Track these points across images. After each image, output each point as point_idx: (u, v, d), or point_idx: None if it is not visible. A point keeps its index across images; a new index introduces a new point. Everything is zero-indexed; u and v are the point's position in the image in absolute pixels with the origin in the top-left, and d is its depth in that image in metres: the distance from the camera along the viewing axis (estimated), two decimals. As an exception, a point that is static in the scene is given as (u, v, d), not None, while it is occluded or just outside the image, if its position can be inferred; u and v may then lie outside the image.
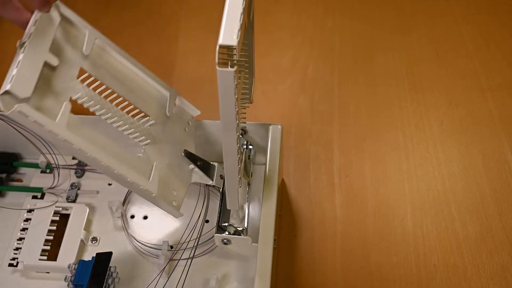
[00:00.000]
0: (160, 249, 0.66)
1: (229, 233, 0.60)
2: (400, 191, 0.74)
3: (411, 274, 0.68)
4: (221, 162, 0.73)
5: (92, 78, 0.57)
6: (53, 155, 0.73)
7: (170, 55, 0.90)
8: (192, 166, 0.65)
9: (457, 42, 0.89)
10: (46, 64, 0.52)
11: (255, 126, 0.68)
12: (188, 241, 0.67)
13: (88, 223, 0.70)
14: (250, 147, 0.68)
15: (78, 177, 0.73)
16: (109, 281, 0.61)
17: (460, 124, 0.80)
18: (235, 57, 0.42)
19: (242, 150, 0.63)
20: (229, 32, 0.42)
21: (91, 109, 0.57)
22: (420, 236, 0.71)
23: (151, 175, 0.60)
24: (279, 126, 0.68)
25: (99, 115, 0.57)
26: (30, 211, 0.69)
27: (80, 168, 0.74)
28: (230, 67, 0.42)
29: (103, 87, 0.58)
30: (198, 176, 0.65)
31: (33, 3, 0.53)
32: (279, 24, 0.94)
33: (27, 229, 0.68)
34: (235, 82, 0.43)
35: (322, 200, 0.75)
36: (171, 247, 0.67)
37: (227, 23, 0.42)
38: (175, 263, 0.66)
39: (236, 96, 0.45)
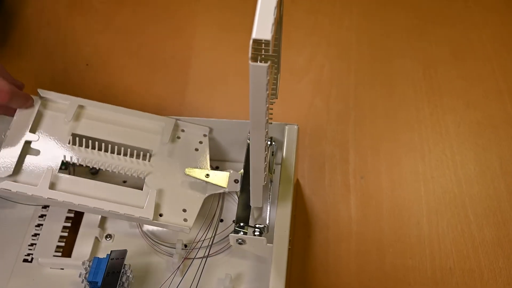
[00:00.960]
0: (175, 248, 0.66)
1: (246, 233, 0.60)
2: (416, 193, 0.74)
3: (426, 277, 0.68)
4: (234, 161, 0.73)
5: (76, 141, 0.66)
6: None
7: (186, 53, 0.90)
8: (202, 181, 0.66)
9: (475, 44, 0.88)
10: (28, 142, 0.64)
11: (271, 125, 0.68)
12: (203, 240, 0.67)
13: (103, 220, 0.69)
14: (273, 143, 0.68)
15: (92, 173, 0.73)
16: (124, 278, 0.61)
17: (477, 126, 0.79)
18: (268, 52, 0.41)
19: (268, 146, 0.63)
20: (263, 26, 0.41)
21: (84, 164, 0.65)
22: (435, 239, 0.70)
23: (146, 203, 0.62)
24: (295, 126, 0.67)
25: (92, 167, 0.65)
26: (45, 207, 0.69)
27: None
28: (263, 62, 0.41)
29: (91, 142, 0.66)
30: (211, 188, 0.66)
31: (16, 104, 0.65)
32: (295, 24, 0.93)
33: (42, 225, 0.68)
34: (268, 78, 0.43)
35: (336, 201, 0.74)
36: (185, 245, 0.67)
37: (260, 17, 0.41)
38: (189, 262, 0.66)
39: (267, 92, 0.45)
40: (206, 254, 0.66)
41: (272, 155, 0.67)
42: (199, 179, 0.65)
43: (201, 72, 0.88)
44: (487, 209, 0.72)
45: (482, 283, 0.66)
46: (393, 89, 0.84)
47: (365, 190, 0.75)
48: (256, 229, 0.60)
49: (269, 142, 0.66)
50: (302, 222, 0.72)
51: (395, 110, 0.82)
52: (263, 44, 0.41)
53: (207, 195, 0.65)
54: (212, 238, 0.66)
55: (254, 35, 0.40)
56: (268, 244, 0.59)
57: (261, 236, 0.60)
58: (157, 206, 0.63)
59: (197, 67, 0.89)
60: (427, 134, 0.79)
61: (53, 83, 0.87)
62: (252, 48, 0.41)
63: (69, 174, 0.68)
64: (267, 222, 0.62)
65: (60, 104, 0.68)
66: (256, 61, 0.41)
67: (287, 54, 0.90)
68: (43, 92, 0.68)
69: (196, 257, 0.66)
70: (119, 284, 0.60)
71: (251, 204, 0.60)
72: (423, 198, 0.74)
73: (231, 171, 0.66)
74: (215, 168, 0.71)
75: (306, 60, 0.89)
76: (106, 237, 0.68)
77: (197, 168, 0.66)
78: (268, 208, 0.63)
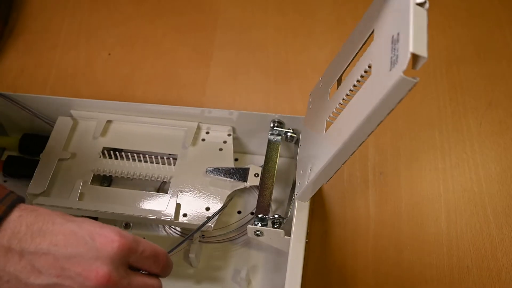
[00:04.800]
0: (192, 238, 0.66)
1: (264, 225, 0.60)
2: (435, 191, 0.73)
3: (443, 275, 0.67)
4: (253, 154, 0.74)
5: (105, 154, 0.69)
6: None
7: (207, 45, 0.90)
8: (224, 178, 0.67)
9: (499, 42, 0.87)
10: (61, 159, 0.69)
11: (292, 119, 0.68)
12: (221, 227, 0.67)
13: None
14: (294, 135, 0.69)
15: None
16: (141, 266, 0.61)
17: (499, 125, 0.79)
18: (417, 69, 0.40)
19: None
20: (420, 41, 0.40)
21: (113, 175, 0.68)
22: (454, 237, 0.70)
23: (167, 204, 0.64)
24: (316, 120, 0.67)
25: (121, 176, 0.69)
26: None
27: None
28: (413, 78, 0.40)
29: (119, 153, 0.70)
30: (233, 184, 0.67)
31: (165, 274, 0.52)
32: (317, 19, 0.93)
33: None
34: (405, 95, 0.42)
35: (355, 197, 0.74)
36: (203, 236, 0.67)
37: (416, 31, 0.40)
38: (206, 252, 0.67)
39: (392, 109, 0.44)
40: (224, 244, 0.66)
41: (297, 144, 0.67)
42: (221, 177, 0.66)
43: (222, 64, 0.88)
44: (506, 208, 0.71)
45: (499, 283, 0.66)
46: (415, 86, 0.83)
47: (383, 186, 0.75)
48: (275, 221, 0.60)
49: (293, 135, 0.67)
50: (319, 216, 0.72)
51: (416, 107, 0.81)
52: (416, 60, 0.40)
53: (229, 192, 0.66)
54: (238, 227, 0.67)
55: (412, 49, 0.39)
56: (285, 237, 0.59)
57: (279, 228, 0.60)
58: (178, 207, 0.65)
59: (218, 60, 0.89)
60: (448, 132, 0.78)
61: (75, 72, 0.88)
62: (412, 61, 0.40)
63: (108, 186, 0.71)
64: (287, 214, 0.62)
65: (90, 120, 0.72)
66: (406, 75, 0.40)
67: (309, 50, 0.89)
68: (75, 113, 0.72)
69: (213, 247, 0.67)
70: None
71: (297, 198, 0.60)
72: (442, 196, 0.73)
73: (252, 166, 0.66)
74: (234, 160, 0.71)
75: (328, 55, 0.88)
76: (124, 225, 0.69)
77: (220, 167, 0.67)
78: (287, 200, 0.63)
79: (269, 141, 0.67)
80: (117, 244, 0.44)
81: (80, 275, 0.43)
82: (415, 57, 0.40)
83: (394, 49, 0.43)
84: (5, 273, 0.44)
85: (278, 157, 0.66)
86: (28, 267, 0.43)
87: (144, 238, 0.61)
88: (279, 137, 0.67)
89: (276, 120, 0.68)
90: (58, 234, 0.44)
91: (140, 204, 0.65)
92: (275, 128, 0.68)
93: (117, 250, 0.44)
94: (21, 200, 0.46)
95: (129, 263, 0.47)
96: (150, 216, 0.64)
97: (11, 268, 0.43)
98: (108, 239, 0.45)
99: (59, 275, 0.43)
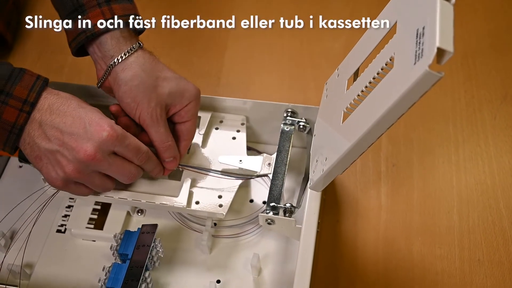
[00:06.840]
0: (204, 225, 0.67)
1: (276, 214, 0.60)
2: (448, 183, 0.73)
3: (454, 268, 0.67)
4: (266, 143, 0.74)
5: None
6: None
7: (223, 36, 0.91)
8: (236, 167, 0.67)
9: (516, 35, 0.87)
10: None
11: (306, 109, 0.68)
12: (233, 219, 0.68)
13: (135, 195, 0.71)
14: (307, 125, 0.69)
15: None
16: (153, 252, 0.62)
17: (514, 119, 0.78)
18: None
19: None
20: (446, 37, 0.40)
21: None
22: (465, 229, 0.70)
23: (180, 192, 0.65)
24: (329, 111, 0.67)
25: None
26: (79, 180, 0.71)
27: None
28: (438, 72, 0.40)
29: None
30: (246, 173, 0.67)
31: (148, 167, 0.63)
32: (332, 10, 0.93)
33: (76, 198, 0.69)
34: (429, 89, 0.42)
35: (367, 188, 0.74)
36: (215, 224, 0.68)
37: (442, 26, 0.40)
38: (217, 240, 0.67)
39: (415, 103, 0.44)
40: (235, 233, 0.67)
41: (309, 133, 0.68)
42: (233, 165, 0.66)
43: (237, 54, 0.88)
44: (520, 202, 0.71)
45: (510, 276, 0.66)
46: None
47: (396, 178, 0.74)
48: (286, 209, 0.60)
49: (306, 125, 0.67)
50: (331, 206, 0.73)
51: (430, 99, 0.81)
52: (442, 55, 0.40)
53: (241, 181, 0.66)
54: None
55: (438, 43, 0.40)
56: (297, 226, 0.60)
57: (291, 217, 0.60)
58: (191, 194, 0.65)
59: (232, 49, 0.89)
60: (462, 124, 0.78)
61: (92, 60, 0.88)
62: (436, 55, 0.40)
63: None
64: (299, 203, 0.62)
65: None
66: (431, 69, 0.40)
67: (323, 40, 0.89)
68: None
69: (224, 235, 0.67)
70: (149, 257, 0.61)
71: (311, 187, 0.60)
72: (454, 188, 0.73)
73: (265, 155, 0.67)
74: (247, 149, 0.72)
75: (342, 46, 0.88)
76: (138, 212, 0.69)
77: (232, 155, 0.67)
78: (299, 189, 0.64)
79: (282, 131, 0.67)
80: (106, 134, 0.57)
81: (74, 149, 0.57)
82: (440, 52, 0.40)
83: (419, 42, 0.43)
84: (28, 137, 0.58)
85: (290, 147, 0.66)
86: (42, 135, 0.58)
87: (156, 224, 0.63)
88: (292, 127, 0.68)
89: (290, 110, 0.68)
90: (68, 116, 0.57)
91: (154, 192, 0.66)
92: (288, 117, 0.68)
93: (105, 137, 0.57)
94: (46, 82, 0.59)
95: (115, 151, 0.58)
96: (163, 203, 0.64)
97: (32, 133, 0.58)
98: (101, 128, 0.57)
99: (60, 145, 0.57)
